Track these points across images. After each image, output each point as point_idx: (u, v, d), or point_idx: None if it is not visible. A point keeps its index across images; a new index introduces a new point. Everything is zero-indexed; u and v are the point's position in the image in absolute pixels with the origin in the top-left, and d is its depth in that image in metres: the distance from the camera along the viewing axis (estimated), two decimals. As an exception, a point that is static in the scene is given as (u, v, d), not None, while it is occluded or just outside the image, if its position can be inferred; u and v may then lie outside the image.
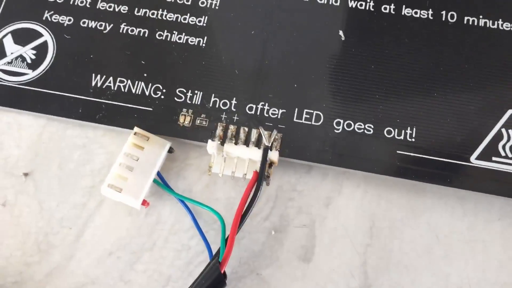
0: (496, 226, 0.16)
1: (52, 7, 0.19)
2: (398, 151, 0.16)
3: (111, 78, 0.17)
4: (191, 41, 0.18)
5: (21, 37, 0.18)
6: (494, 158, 0.16)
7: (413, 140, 0.16)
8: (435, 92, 0.17)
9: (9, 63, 0.18)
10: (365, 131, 0.16)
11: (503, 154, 0.16)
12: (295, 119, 0.17)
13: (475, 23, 0.18)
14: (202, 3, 0.18)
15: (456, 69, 0.17)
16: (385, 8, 0.18)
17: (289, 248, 0.16)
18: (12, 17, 0.18)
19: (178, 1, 0.18)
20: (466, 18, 0.18)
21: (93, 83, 0.17)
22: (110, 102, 0.17)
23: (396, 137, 0.16)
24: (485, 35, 0.18)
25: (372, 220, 0.16)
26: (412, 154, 0.16)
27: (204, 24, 0.18)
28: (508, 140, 0.16)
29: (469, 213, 0.16)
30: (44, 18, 0.18)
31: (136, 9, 0.18)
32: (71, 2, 0.19)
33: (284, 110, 0.17)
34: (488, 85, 0.17)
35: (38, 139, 0.17)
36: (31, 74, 0.18)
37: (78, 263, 0.16)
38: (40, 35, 0.18)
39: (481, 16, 0.18)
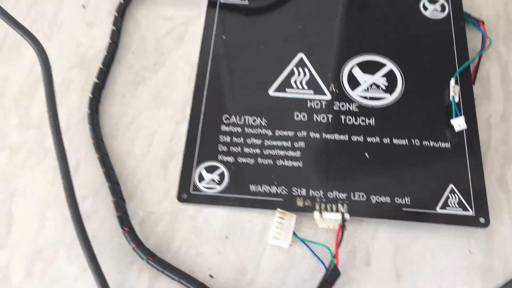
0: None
1: (222, 153, 0.37)
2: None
3: (259, 186, 0.35)
4: (295, 165, 0.36)
5: (209, 170, 0.36)
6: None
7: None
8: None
9: (207, 183, 0.36)
10: (382, 200, 0.35)
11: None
12: (352, 198, 0.35)
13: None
14: (296, 145, 0.37)
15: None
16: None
17: (358, 260, 0.34)
18: (203, 159, 0.37)
19: (283, 146, 0.37)
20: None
21: (251, 189, 0.35)
22: (262, 197, 0.35)
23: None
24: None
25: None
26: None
27: (300, 156, 0.37)
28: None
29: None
30: (219, 159, 0.37)
31: (264, 150, 0.37)
32: (230, 150, 0.37)
33: (346, 194, 0.35)
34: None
35: (228, 218, 0.35)
36: (218, 188, 0.35)
37: (262, 272, 0.33)
38: (218, 167, 0.36)
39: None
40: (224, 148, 0.37)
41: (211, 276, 0.33)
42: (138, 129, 0.38)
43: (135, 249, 0.32)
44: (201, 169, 0.36)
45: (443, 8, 0.43)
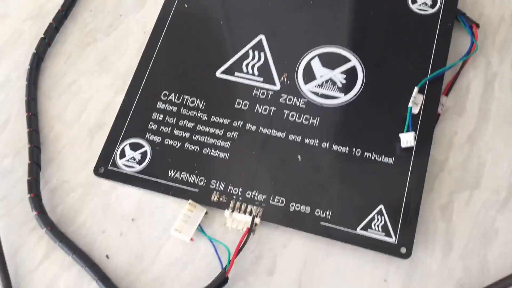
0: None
1: (151, 132, 0.35)
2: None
3: (178, 173, 0.34)
4: (221, 156, 0.34)
5: (133, 147, 0.35)
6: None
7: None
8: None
9: (127, 160, 0.35)
10: (301, 209, 0.32)
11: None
12: (270, 202, 0.33)
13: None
14: (229, 134, 0.35)
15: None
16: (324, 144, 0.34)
17: (262, 267, 0.32)
18: (130, 134, 0.35)
19: (215, 133, 0.35)
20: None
21: (169, 175, 0.34)
22: (178, 185, 0.34)
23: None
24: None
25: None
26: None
27: (229, 147, 0.35)
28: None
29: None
30: (146, 137, 0.35)
31: (194, 135, 0.35)
32: (160, 130, 0.35)
33: (265, 196, 0.33)
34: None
35: (140, 200, 0.34)
36: (137, 168, 0.34)
37: (159, 262, 0.32)
38: (143, 146, 0.35)
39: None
40: (154, 126, 0.36)
41: (107, 257, 0.32)
42: (75, 93, 0.37)
43: (37, 217, 0.32)
44: (125, 145, 0.35)
45: (434, 2, 0.38)
